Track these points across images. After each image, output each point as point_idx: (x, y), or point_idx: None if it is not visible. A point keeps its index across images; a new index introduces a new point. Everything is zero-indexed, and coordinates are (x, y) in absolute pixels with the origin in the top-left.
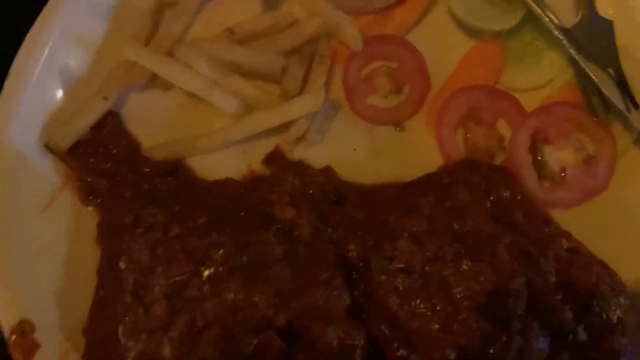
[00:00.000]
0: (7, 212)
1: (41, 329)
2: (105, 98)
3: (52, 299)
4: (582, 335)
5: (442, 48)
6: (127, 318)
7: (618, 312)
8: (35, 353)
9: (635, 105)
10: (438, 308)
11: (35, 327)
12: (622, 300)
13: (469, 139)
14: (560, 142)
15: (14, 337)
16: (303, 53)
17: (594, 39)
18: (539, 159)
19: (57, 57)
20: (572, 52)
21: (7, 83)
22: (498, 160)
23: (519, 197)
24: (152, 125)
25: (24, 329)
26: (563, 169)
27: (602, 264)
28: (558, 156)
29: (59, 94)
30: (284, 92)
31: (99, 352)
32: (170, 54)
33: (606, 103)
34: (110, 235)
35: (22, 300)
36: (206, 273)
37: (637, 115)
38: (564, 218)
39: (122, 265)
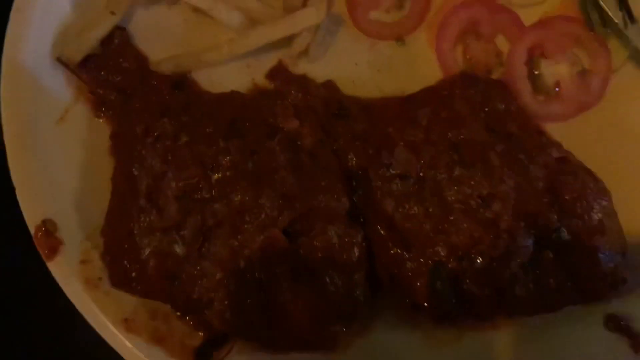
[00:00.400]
0: (25, 123)
1: (63, 228)
2: (113, 13)
3: (72, 203)
4: (565, 235)
5: None
6: (141, 219)
7: (599, 214)
8: (59, 249)
9: (632, 20)
10: (431, 210)
11: (57, 226)
12: (604, 203)
13: (468, 54)
14: (556, 56)
15: (39, 234)
16: None
17: None
18: (535, 72)
19: None
20: None
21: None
22: (495, 75)
23: (513, 109)
24: (158, 40)
25: (48, 227)
26: (558, 83)
27: (588, 171)
28: (554, 70)
29: (68, 9)
30: (286, 6)
31: (117, 250)
32: None
33: (604, 18)
34: (122, 146)
35: (43, 202)
36: (215, 177)
37: (634, 30)
38: (557, 130)
39: (135, 172)
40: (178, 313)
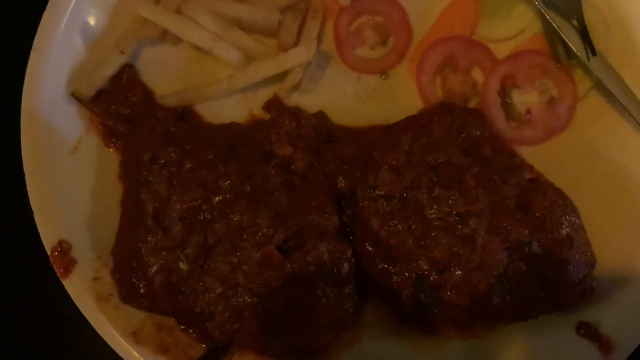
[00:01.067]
0: (42, 152)
1: (77, 248)
2: (122, 52)
3: (85, 225)
4: (536, 248)
5: (424, 3)
6: (149, 239)
7: (568, 229)
8: (73, 268)
9: (594, 53)
10: (413, 227)
11: (71, 246)
12: (572, 219)
13: (446, 85)
14: (527, 86)
15: (55, 253)
16: (297, 9)
17: None
18: (508, 101)
19: (79, 16)
20: (540, 5)
21: (36, 39)
22: (471, 104)
23: (488, 135)
24: (164, 75)
25: (63, 247)
26: (529, 110)
27: (557, 190)
28: (524, 99)
29: (82, 49)
30: (280, 45)
31: (126, 268)
32: (178, 11)
33: (569, 51)
34: (131, 172)
35: (59, 225)
36: (215, 199)
37: (596, 62)
38: (529, 153)
39: (142, 196)
40: (182, 326)
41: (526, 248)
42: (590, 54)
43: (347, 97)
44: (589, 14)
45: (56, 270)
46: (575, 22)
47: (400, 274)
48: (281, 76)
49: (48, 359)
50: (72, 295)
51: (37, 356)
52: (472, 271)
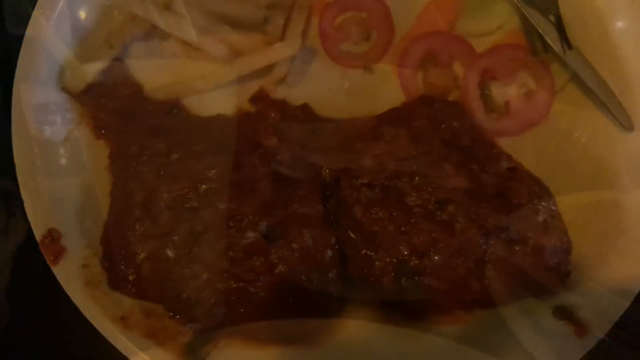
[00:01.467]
0: (34, 144)
1: (66, 237)
2: (111, 47)
3: (74, 214)
4: (514, 234)
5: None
6: (137, 227)
7: (544, 215)
8: (63, 255)
9: (570, 47)
10: (394, 214)
11: (61, 235)
12: (549, 206)
13: (427, 79)
14: (505, 79)
15: (45, 241)
16: (283, 5)
17: None
18: (487, 93)
19: (69, 11)
20: (518, 2)
21: (27, 33)
22: (452, 97)
23: (467, 126)
24: (153, 70)
25: (53, 235)
26: (508, 103)
27: (535, 178)
28: (503, 91)
29: (72, 43)
30: (266, 40)
31: (115, 256)
32: (167, 7)
33: (546, 45)
34: (120, 163)
35: (49, 213)
36: (202, 188)
37: (572, 56)
38: (508, 144)
39: (131, 186)
40: (170, 312)
41: (504, 234)
42: (566, 48)
43: (332, 90)
44: (565, 9)
45: (46, 258)
46: (552, 18)
47: (382, 259)
48: (267, 70)
49: (48, 359)
50: (61, 282)
51: (37, 356)
52: (451, 256)
